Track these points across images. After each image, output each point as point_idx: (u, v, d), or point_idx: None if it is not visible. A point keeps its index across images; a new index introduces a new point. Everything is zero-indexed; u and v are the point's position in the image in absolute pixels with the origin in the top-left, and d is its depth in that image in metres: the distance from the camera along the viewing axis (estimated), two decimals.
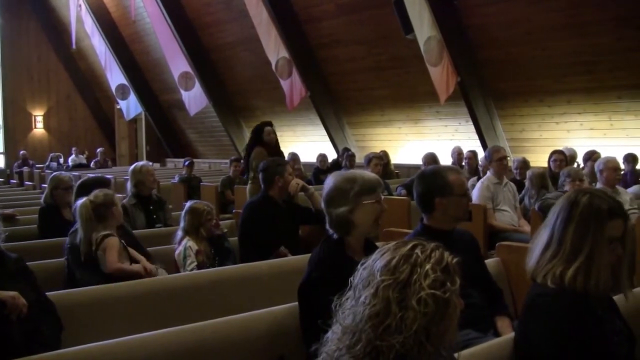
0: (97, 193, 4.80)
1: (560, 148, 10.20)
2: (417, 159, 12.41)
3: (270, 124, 9.34)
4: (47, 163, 20.71)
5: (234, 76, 18.75)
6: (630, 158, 10.52)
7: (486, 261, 4.24)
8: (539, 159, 11.08)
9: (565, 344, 2.48)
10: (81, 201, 4.75)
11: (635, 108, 11.34)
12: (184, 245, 5.20)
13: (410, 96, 14.58)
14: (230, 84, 19.03)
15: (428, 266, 1.85)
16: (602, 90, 11.57)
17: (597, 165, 7.21)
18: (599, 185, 7.17)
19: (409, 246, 1.92)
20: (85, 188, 5.39)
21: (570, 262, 2.59)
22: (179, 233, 5.36)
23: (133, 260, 4.83)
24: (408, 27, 12.61)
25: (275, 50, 15.44)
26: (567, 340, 2.48)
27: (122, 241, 4.82)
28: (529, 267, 2.73)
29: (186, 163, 12.94)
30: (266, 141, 9.04)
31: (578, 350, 2.48)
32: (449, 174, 3.72)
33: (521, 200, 7.82)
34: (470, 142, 13.40)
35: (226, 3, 16.98)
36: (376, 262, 1.91)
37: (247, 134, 18.97)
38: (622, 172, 9.18)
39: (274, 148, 9.16)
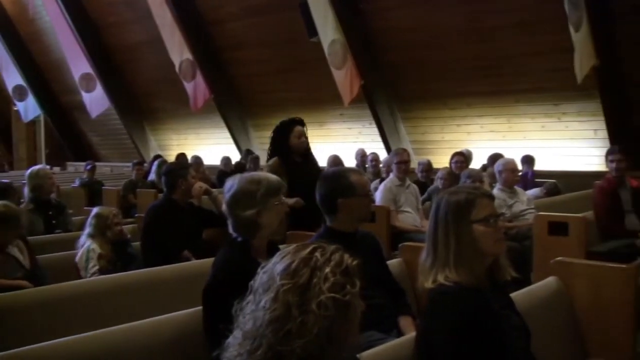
0: None
1: (461, 150, 10.49)
2: (322, 162, 12.44)
3: (300, 121, 6.64)
4: None
5: (137, 78, 18.43)
6: (527, 159, 10.87)
7: (389, 262, 4.29)
8: (441, 161, 11.30)
9: (465, 340, 2.54)
10: None
11: (532, 111, 11.75)
12: (86, 248, 5.16)
13: (315, 99, 14.65)
14: (133, 85, 18.69)
15: (328, 269, 1.85)
16: (501, 94, 11.92)
17: (496, 167, 7.44)
18: (498, 186, 7.38)
19: (309, 249, 1.91)
20: None
21: (447, 262, 2.71)
22: (83, 238, 5.30)
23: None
24: (312, 30, 12.68)
25: (179, 52, 15.28)
26: (467, 336, 2.54)
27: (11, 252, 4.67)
28: (419, 279, 2.81)
29: (87, 167, 12.62)
30: (293, 145, 6.38)
31: (477, 345, 2.54)
32: (351, 174, 3.77)
33: (425, 201, 7.97)
34: (374, 144, 13.56)
35: (129, 3, 16.68)
36: (276, 265, 1.90)
37: (151, 137, 18.72)
38: (521, 173, 9.49)
39: (304, 157, 6.50)
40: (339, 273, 1.86)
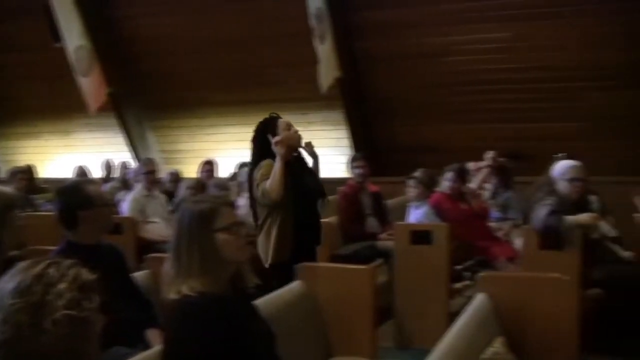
0: None
1: (209, 158, 10.62)
2: (68, 173, 12.05)
3: (279, 117, 5.25)
4: None
5: None
6: None
7: (137, 274, 4.25)
8: (191, 170, 11.33)
9: (212, 349, 2.56)
10: None
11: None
12: None
13: (61, 107, 14.01)
14: None
15: (63, 285, 1.76)
16: (250, 103, 12.04)
17: (240, 176, 7.60)
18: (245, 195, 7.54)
19: (43, 265, 1.81)
20: None
21: (191, 271, 2.70)
22: None
23: None
24: (57, 34, 12.18)
25: None
26: (213, 345, 2.57)
27: None
28: (163, 290, 2.80)
29: None
30: None
31: (224, 354, 2.58)
32: (87, 186, 3.73)
33: (173, 212, 7.93)
34: (122, 154, 13.27)
35: None
36: (7, 284, 1.79)
37: None
38: None
39: (297, 159, 5.20)
40: (75, 289, 1.78)
